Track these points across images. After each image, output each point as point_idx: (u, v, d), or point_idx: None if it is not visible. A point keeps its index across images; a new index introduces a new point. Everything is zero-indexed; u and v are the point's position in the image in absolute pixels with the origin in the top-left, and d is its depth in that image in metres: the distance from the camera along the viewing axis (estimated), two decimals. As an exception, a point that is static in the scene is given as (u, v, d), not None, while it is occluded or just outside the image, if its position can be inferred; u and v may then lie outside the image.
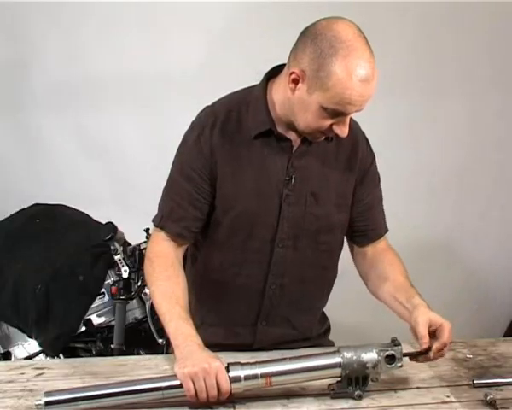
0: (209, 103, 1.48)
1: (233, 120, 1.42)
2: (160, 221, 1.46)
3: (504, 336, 2.85)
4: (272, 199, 1.42)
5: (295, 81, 1.30)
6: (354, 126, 1.50)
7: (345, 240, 1.57)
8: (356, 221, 1.53)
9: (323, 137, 1.38)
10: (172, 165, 1.48)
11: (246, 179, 1.42)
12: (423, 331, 1.29)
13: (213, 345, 1.34)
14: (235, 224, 1.44)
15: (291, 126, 1.39)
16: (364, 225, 1.54)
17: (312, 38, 1.27)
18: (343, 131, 1.33)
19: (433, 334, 1.31)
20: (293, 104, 1.34)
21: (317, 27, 1.28)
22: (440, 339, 1.29)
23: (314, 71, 1.26)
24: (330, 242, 1.51)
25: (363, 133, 1.53)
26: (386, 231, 1.58)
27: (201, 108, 1.48)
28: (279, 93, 1.38)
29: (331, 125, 1.32)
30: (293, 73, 1.30)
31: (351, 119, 1.50)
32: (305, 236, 1.46)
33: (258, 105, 1.41)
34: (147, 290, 2.04)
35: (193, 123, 1.47)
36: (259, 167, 1.42)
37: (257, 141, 1.41)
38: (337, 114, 1.29)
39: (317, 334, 1.63)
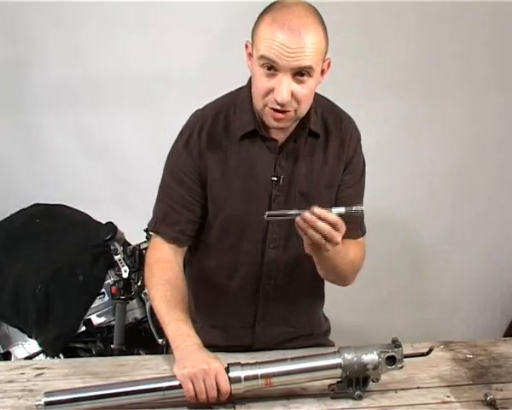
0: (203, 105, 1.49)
1: (221, 123, 1.43)
2: (155, 226, 1.47)
3: (504, 336, 2.85)
4: (261, 200, 1.42)
5: (250, 56, 1.33)
6: (346, 122, 1.49)
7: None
8: None
9: (280, 115, 1.31)
10: (164, 169, 1.48)
11: (234, 181, 1.42)
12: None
13: (213, 347, 1.34)
14: (225, 226, 1.45)
15: None
16: None
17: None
18: (278, 92, 1.26)
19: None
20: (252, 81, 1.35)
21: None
22: None
23: (252, 32, 1.30)
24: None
25: (354, 129, 1.50)
26: (357, 237, 1.50)
27: (201, 108, 1.49)
28: None
29: (272, 90, 1.28)
30: (247, 46, 1.34)
31: (343, 113, 1.50)
32: (296, 235, 1.45)
33: (244, 106, 1.41)
34: (147, 290, 2.04)
35: (183, 127, 1.47)
36: (247, 169, 1.42)
37: (244, 142, 1.41)
38: (269, 68, 1.26)
39: (317, 332, 1.63)
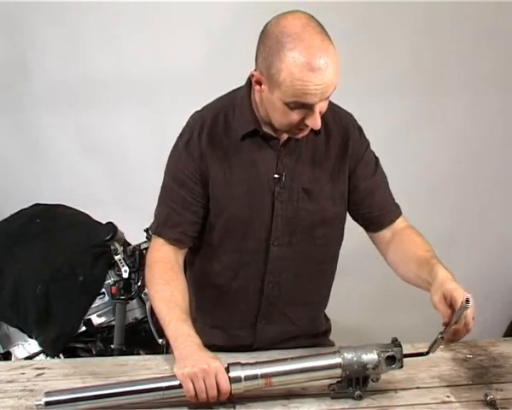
0: (202, 106, 1.49)
1: (220, 123, 1.43)
2: (157, 228, 1.47)
3: (504, 336, 2.85)
4: (264, 198, 1.43)
5: (258, 83, 1.31)
6: (345, 117, 1.50)
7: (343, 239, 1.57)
8: (359, 209, 1.51)
9: (305, 132, 1.35)
10: (165, 172, 1.48)
11: (236, 181, 1.42)
12: (441, 308, 1.23)
13: (214, 347, 1.34)
14: (228, 226, 1.45)
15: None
16: (368, 212, 1.51)
17: (263, 37, 1.27)
18: (314, 123, 1.29)
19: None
20: (265, 104, 1.34)
21: (267, 26, 1.28)
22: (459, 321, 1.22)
23: (267, 70, 1.26)
24: (326, 235, 1.49)
25: (354, 122, 1.51)
26: (399, 214, 1.53)
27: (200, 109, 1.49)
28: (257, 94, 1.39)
29: (303, 119, 1.29)
30: (253, 75, 1.31)
31: (340, 109, 1.50)
32: (300, 232, 1.46)
33: (244, 106, 1.41)
34: (147, 290, 2.05)
35: (183, 129, 1.47)
36: (249, 168, 1.42)
37: (245, 142, 1.41)
38: (302, 107, 1.26)
39: (317, 331, 1.63)
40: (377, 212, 1.51)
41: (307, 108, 1.27)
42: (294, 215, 1.44)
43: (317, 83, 1.22)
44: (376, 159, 1.53)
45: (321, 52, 1.21)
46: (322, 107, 1.29)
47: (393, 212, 1.54)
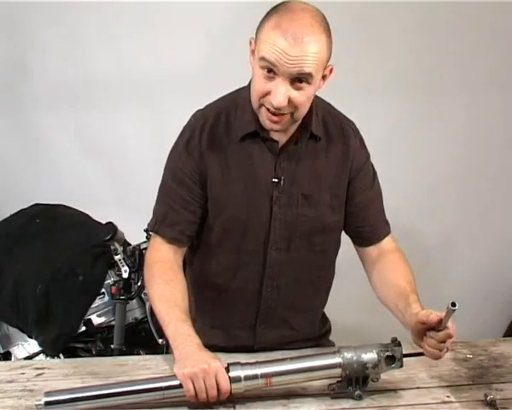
0: (204, 106, 1.49)
1: (222, 123, 1.43)
2: (155, 226, 1.47)
3: (504, 336, 2.85)
4: (262, 201, 1.42)
5: (253, 53, 1.32)
6: (347, 125, 1.49)
7: (342, 239, 1.57)
8: (352, 222, 1.51)
9: (275, 120, 1.31)
10: (164, 170, 1.48)
11: (234, 179, 1.42)
12: (427, 314, 1.24)
13: (214, 348, 1.34)
14: (226, 227, 1.44)
15: None
16: (358, 226, 1.51)
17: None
18: (274, 97, 1.26)
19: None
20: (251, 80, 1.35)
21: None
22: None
23: (257, 31, 1.30)
24: (325, 242, 1.50)
25: (356, 132, 1.51)
26: (387, 233, 1.53)
27: (202, 108, 1.49)
28: None
29: (269, 92, 1.28)
30: (251, 43, 1.33)
31: (343, 116, 1.50)
32: (298, 237, 1.45)
33: (246, 107, 1.41)
34: (146, 290, 2.04)
35: (184, 127, 1.47)
36: (248, 170, 1.42)
37: (244, 143, 1.41)
38: (268, 71, 1.26)
39: (317, 335, 1.63)
40: (368, 227, 1.51)
41: (271, 73, 1.26)
42: (294, 221, 1.44)
43: (285, 50, 1.22)
44: (374, 172, 1.53)
45: (303, 28, 1.23)
46: (292, 94, 1.27)
47: (382, 229, 1.53)
